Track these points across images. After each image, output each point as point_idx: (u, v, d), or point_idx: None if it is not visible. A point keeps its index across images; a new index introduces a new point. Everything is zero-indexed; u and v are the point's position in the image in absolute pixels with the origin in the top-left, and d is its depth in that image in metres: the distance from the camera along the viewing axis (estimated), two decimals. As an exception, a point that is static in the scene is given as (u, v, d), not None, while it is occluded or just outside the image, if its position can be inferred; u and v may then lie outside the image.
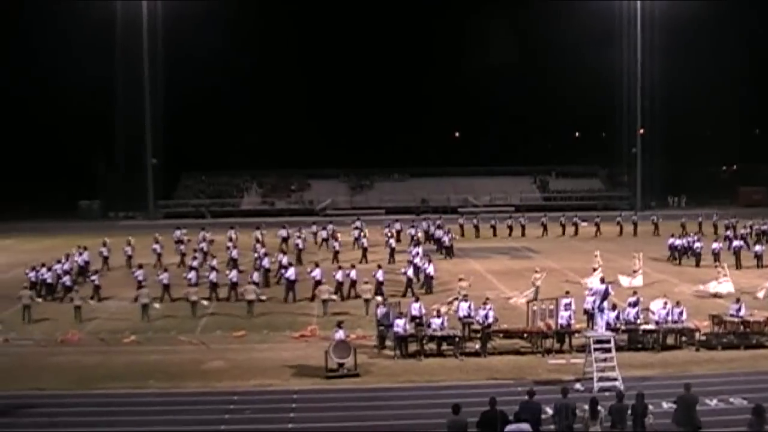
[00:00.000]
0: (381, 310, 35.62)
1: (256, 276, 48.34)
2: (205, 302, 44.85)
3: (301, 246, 60.57)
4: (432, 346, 34.13)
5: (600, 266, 50.23)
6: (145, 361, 34.15)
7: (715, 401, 27.36)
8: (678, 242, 60.35)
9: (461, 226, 75.57)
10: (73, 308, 43.01)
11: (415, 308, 36.37)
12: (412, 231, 68.41)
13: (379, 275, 46.33)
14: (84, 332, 39.59)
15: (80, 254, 56.27)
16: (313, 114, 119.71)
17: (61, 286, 48.91)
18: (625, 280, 47.92)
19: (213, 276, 47.70)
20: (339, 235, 65.30)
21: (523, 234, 75.36)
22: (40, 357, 35.18)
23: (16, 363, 33.64)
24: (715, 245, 57.96)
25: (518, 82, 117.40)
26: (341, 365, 31.40)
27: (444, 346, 34.26)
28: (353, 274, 47.47)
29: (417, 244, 59.36)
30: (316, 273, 46.96)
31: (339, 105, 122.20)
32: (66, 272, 50.24)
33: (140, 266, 49.77)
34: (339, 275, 47.34)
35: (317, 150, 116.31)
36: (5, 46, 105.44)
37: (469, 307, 36.13)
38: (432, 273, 49.17)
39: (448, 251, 62.79)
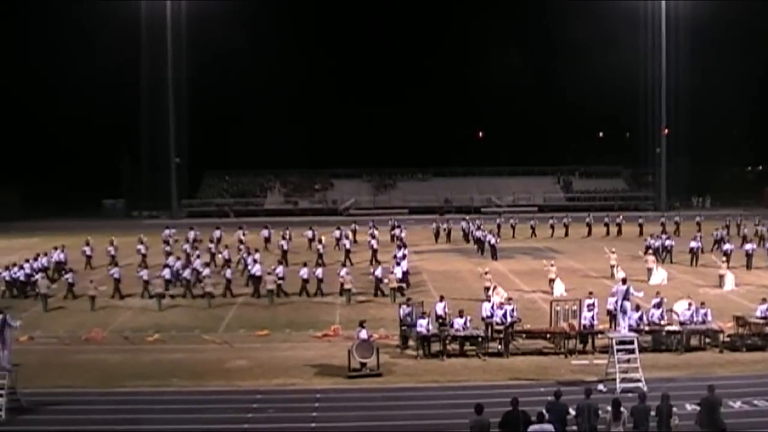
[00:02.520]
0: (404, 310, 35.61)
1: (228, 273, 49.56)
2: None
3: (285, 247, 60.59)
4: (455, 346, 34.11)
5: (616, 264, 52.13)
6: (169, 359, 34.29)
7: (739, 403, 27.19)
8: (693, 244, 60.14)
9: (498, 226, 75.16)
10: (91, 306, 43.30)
11: (440, 308, 36.30)
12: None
13: (378, 272, 48.32)
14: (108, 330, 39.78)
15: (60, 252, 56.90)
16: (336, 113, 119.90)
17: (30, 285, 49.29)
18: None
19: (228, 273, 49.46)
20: (352, 234, 66.48)
21: (566, 234, 75.22)
22: (64, 355, 35.36)
23: (41, 361, 33.76)
24: (748, 246, 57.89)
25: (542, 82, 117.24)
26: (364, 365, 31.42)
27: (467, 346, 34.26)
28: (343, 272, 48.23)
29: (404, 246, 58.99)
30: (303, 272, 48.54)
31: (363, 104, 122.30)
32: (39, 270, 50.96)
33: (146, 265, 51.88)
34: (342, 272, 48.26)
35: (341, 149, 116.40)
36: (31, 45, 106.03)
37: (492, 306, 36.05)
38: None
39: (494, 251, 62.94)
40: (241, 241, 63.36)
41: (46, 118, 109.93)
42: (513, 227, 75.63)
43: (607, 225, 75.95)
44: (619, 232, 75.01)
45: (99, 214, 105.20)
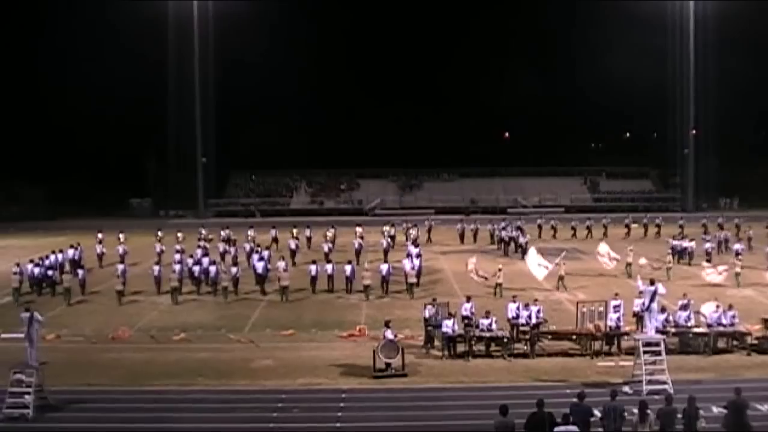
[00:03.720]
0: (428, 310, 35.60)
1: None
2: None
3: (293, 246, 61.59)
4: (480, 346, 34.08)
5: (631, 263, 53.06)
6: (195, 358, 34.46)
7: (766, 407, 27.06)
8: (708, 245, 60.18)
9: (540, 227, 74.97)
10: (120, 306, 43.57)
11: (466, 308, 36.22)
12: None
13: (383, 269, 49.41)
14: (134, 329, 40.00)
15: (75, 250, 58.24)
16: (363, 114, 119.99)
17: (47, 281, 50.76)
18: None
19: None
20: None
21: (605, 235, 74.64)
22: (91, 353, 35.61)
23: (68, 359, 33.97)
24: None
25: (568, 82, 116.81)
26: (389, 365, 31.45)
27: (492, 347, 34.22)
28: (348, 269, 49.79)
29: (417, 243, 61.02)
30: (312, 269, 49.82)
31: (389, 105, 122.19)
32: (52, 267, 52.07)
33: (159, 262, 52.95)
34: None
35: (367, 150, 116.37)
36: (59, 45, 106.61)
37: (518, 307, 35.98)
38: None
39: (524, 250, 63.14)
40: (227, 241, 64.50)
41: (73, 117, 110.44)
42: (540, 228, 75.21)
43: (627, 226, 75.30)
44: (646, 232, 74.52)
45: (126, 213, 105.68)
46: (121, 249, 60.92)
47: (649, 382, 28.59)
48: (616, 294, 36.50)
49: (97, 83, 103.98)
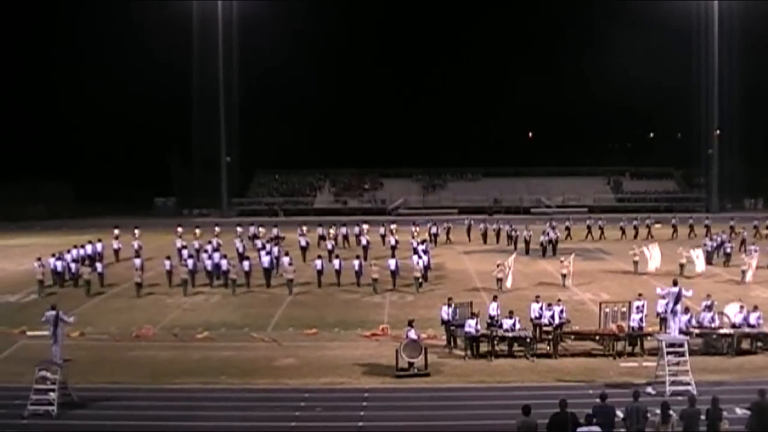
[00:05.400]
0: (446, 310, 35.59)
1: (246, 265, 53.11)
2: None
3: (303, 243, 64.00)
4: (503, 346, 34.05)
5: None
6: (218, 357, 34.57)
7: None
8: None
9: (568, 228, 74.77)
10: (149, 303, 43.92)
11: (492, 308, 36.12)
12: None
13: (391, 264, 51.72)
14: (158, 328, 40.17)
15: (93, 245, 59.80)
16: (387, 113, 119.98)
17: (69, 275, 52.99)
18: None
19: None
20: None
21: (601, 236, 74.57)
22: (115, 351, 35.78)
23: (92, 357, 34.15)
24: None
25: (592, 82, 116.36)
26: (412, 364, 31.46)
27: (515, 347, 34.19)
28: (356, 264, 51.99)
29: (424, 241, 62.31)
30: (317, 264, 52.10)
31: (413, 104, 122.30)
32: (74, 260, 54.27)
33: (168, 257, 53.47)
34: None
35: (391, 149, 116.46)
36: (85, 45, 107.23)
37: (541, 308, 35.93)
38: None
39: (553, 248, 64.43)
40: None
41: (98, 117, 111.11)
42: (568, 229, 74.82)
43: (649, 227, 74.86)
44: (675, 233, 73.90)
45: (150, 212, 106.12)
46: (136, 244, 62.94)
47: (672, 383, 28.48)
48: (640, 294, 36.38)
49: (123, 83, 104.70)
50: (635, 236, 72.75)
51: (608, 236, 74.00)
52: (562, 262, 51.50)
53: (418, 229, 70.39)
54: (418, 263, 51.10)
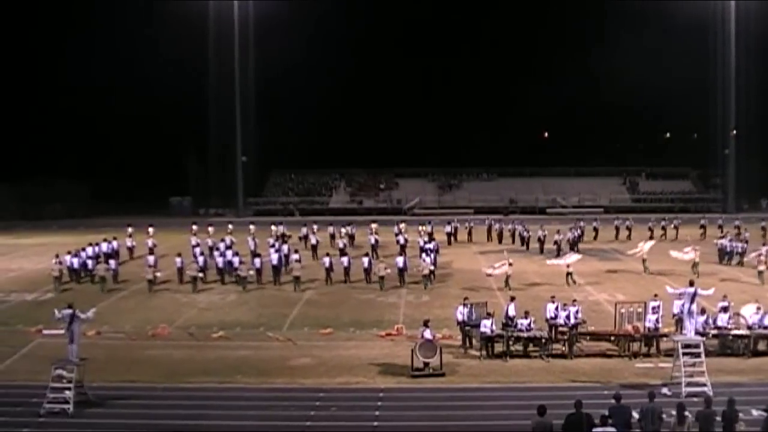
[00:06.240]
0: (460, 310, 35.59)
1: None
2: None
3: (314, 242, 65.33)
4: (518, 347, 34.04)
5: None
6: (234, 356, 34.67)
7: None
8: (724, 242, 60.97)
9: (596, 229, 74.52)
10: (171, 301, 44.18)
11: (512, 308, 35.96)
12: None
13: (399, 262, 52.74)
14: (174, 327, 40.31)
15: (108, 243, 60.94)
16: (402, 112, 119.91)
17: (85, 271, 54.58)
18: None
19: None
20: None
21: (616, 236, 74.17)
22: (131, 350, 35.96)
23: (109, 355, 34.29)
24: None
25: (608, 82, 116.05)
26: (427, 364, 31.48)
27: (530, 347, 34.17)
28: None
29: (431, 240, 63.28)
30: (325, 261, 53.26)
31: (428, 104, 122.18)
32: (90, 257, 55.67)
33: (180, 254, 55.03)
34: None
35: (406, 149, 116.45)
36: (101, 45, 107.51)
37: (556, 308, 35.88)
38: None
39: (575, 246, 65.47)
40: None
41: (114, 116, 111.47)
42: (596, 230, 74.47)
43: (664, 228, 74.28)
44: (704, 234, 72.91)
45: (166, 211, 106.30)
46: (150, 242, 64.00)
47: (688, 384, 28.42)
48: (656, 295, 36.31)
49: (139, 83, 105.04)
50: (663, 237, 72.19)
51: (634, 237, 73.18)
52: (566, 264, 52.00)
53: (424, 228, 70.58)
54: (424, 261, 52.50)
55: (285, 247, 57.57)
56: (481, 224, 76.73)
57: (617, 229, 74.93)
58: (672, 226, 74.61)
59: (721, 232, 68.15)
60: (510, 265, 50.55)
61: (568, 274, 51.17)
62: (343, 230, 69.87)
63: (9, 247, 73.83)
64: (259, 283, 51.85)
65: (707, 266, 54.90)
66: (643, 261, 55.27)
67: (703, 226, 73.67)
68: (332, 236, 69.48)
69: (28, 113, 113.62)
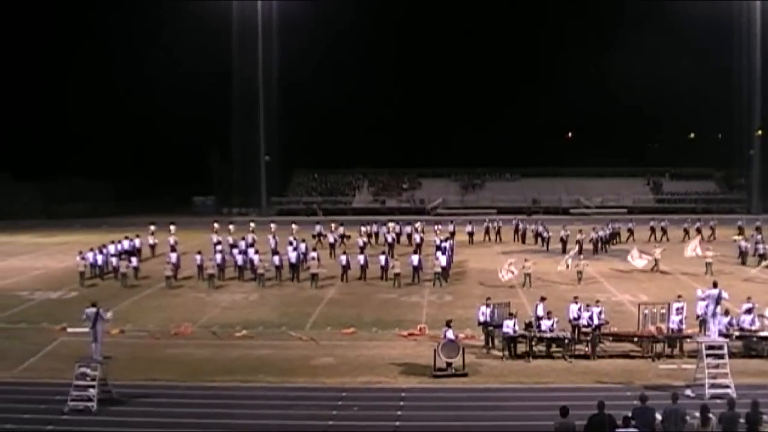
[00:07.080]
0: (483, 310, 35.53)
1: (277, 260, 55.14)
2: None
3: (331, 240, 66.71)
4: (541, 347, 33.97)
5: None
6: (256, 355, 34.72)
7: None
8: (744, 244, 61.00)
9: (630, 230, 74.06)
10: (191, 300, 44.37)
11: (540, 308, 35.80)
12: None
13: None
14: (197, 326, 40.42)
15: (130, 241, 63.34)
16: (426, 113, 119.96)
17: (110, 267, 55.76)
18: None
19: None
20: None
21: (630, 237, 73.70)
22: (154, 348, 36.07)
23: (132, 354, 34.41)
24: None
25: (632, 83, 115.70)
26: (449, 364, 31.44)
27: (553, 348, 34.09)
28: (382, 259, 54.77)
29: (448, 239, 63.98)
30: (342, 259, 54.27)
31: (452, 104, 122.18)
32: (113, 255, 56.92)
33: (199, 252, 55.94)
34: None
35: (429, 149, 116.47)
36: (125, 45, 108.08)
37: (579, 308, 35.77)
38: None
39: (601, 246, 66.57)
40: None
41: (138, 116, 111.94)
42: (631, 231, 73.96)
43: (686, 230, 73.71)
44: (741, 234, 71.87)
45: (189, 210, 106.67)
46: (172, 239, 64.99)
47: (712, 385, 28.25)
48: (679, 296, 36.16)
49: (163, 83, 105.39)
50: (701, 238, 71.16)
51: (671, 237, 72.66)
52: (576, 262, 52.44)
53: (440, 227, 72.18)
54: (439, 259, 53.07)
55: (303, 246, 58.50)
56: (508, 224, 76.63)
57: (652, 230, 73.95)
58: (708, 226, 73.94)
59: (759, 233, 67.37)
60: (530, 264, 51.27)
61: (579, 272, 51.69)
62: (363, 229, 70.90)
63: (33, 245, 74.47)
64: (278, 280, 52.72)
65: (734, 267, 54.85)
66: (708, 265, 54.35)
67: (740, 228, 72.82)
68: (346, 236, 69.95)
69: (53, 113, 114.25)
